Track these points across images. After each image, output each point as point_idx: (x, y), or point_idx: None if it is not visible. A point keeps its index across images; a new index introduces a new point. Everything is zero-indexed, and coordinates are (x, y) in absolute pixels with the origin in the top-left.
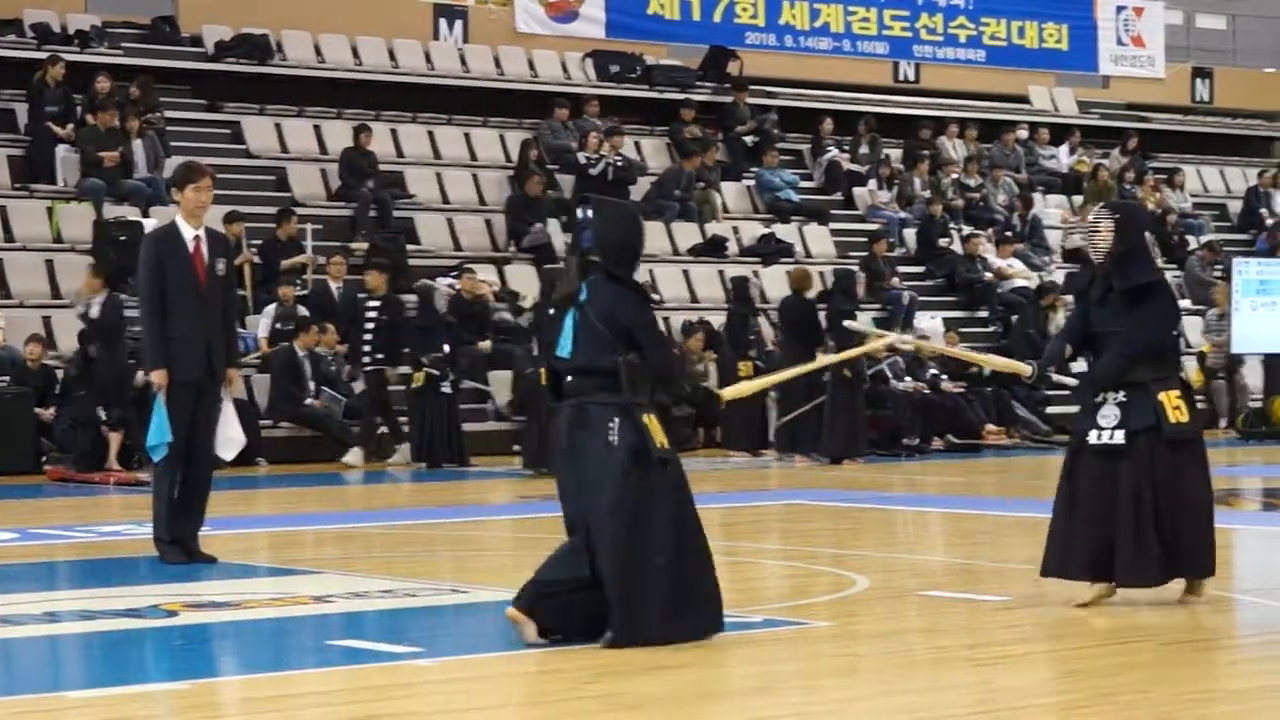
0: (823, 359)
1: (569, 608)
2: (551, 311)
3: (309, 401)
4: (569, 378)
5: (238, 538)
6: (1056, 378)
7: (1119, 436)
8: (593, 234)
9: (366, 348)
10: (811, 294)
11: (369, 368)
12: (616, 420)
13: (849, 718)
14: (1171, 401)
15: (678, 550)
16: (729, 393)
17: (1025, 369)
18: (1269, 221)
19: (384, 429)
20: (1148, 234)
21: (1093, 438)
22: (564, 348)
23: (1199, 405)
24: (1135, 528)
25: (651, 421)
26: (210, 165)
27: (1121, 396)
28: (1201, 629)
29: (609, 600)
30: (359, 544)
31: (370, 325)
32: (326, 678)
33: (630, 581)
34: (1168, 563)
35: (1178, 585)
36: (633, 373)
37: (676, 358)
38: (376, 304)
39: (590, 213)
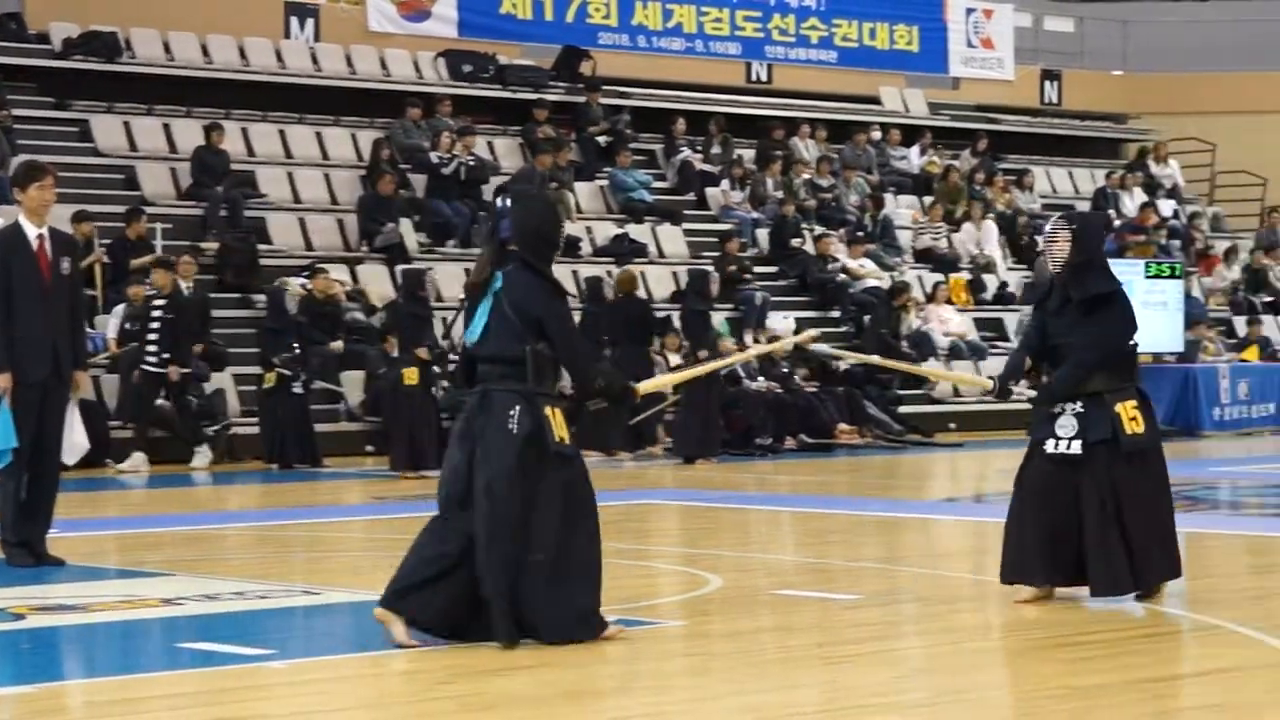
0: (748, 353)
1: (434, 596)
2: (464, 300)
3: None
4: (481, 364)
5: (86, 540)
6: (1017, 391)
7: (1076, 447)
8: (511, 223)
9: (151, 348)
10: (639, 293)
11: (151, 368)
12: (518, 408)
13: (701, 717)
14: (1128, 412)
15: (560, 550)
16: (645, 386)
17: (987, 383)
18: (1117, 223)
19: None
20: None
21: (1049, 447)
22: (474, 334)
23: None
24: (1102, 540)
25: (554, 414)
26: (58, 164)
27: (1079, 407)
28: (1053, 626)
29: (483, 597)
30: (210, 545)
31: (155, 325)
32: (177, 680)
33: (504, 577)
34: (1136, 571)
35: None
36: (539, 362)
37: (588, 352)
38: (162, 303)
39: (509, 202)
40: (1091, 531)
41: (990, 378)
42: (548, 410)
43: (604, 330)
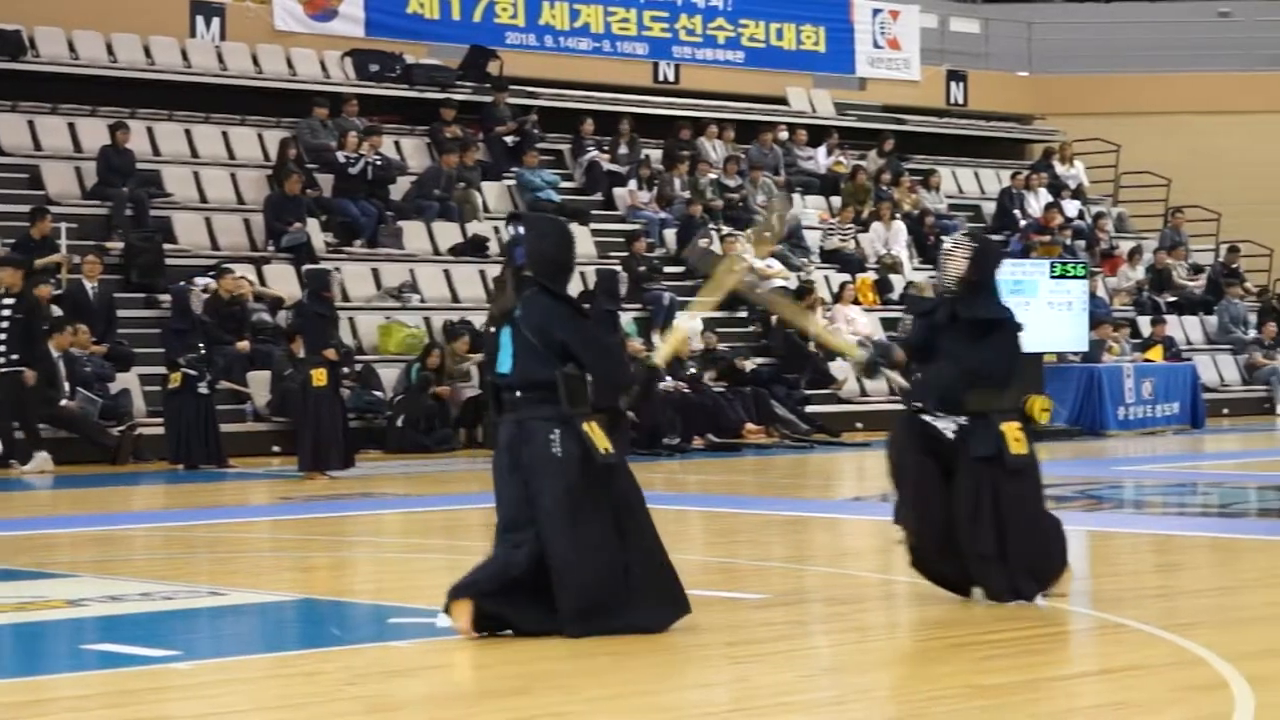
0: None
1: (509, 592)
2: (492, 329)
3: (64, 403)
4: (511, 393)
5: None
6: (887, 372)
7: (949, 433)
8: (525, 249)
9: (0, 348)
10: None
11: (3, 369)
12: (557, 432)
13: (607, 716)
14: (1013, 433)
15: (624, 548)
16: (662, 358)
17: (858, 352)
18: (1023, 223)
19: (21, 433)
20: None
21: (927, 417)
22: (504, 364)
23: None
24: (989, 552)
25: (592, 428)
26: None
27: (963, 421)
28: (958, 625)
29: (557, 592)
30: (116, 546)
31: (4, 325)
32: (81, 682)
33: (581, 573)
34: (1027, 580)
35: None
36: (571, 385)
37: (617, 360)
38: (11, 302)
39: (522, 229)
40: (982, 542)
41: (863, 346)
42: (585, 427)
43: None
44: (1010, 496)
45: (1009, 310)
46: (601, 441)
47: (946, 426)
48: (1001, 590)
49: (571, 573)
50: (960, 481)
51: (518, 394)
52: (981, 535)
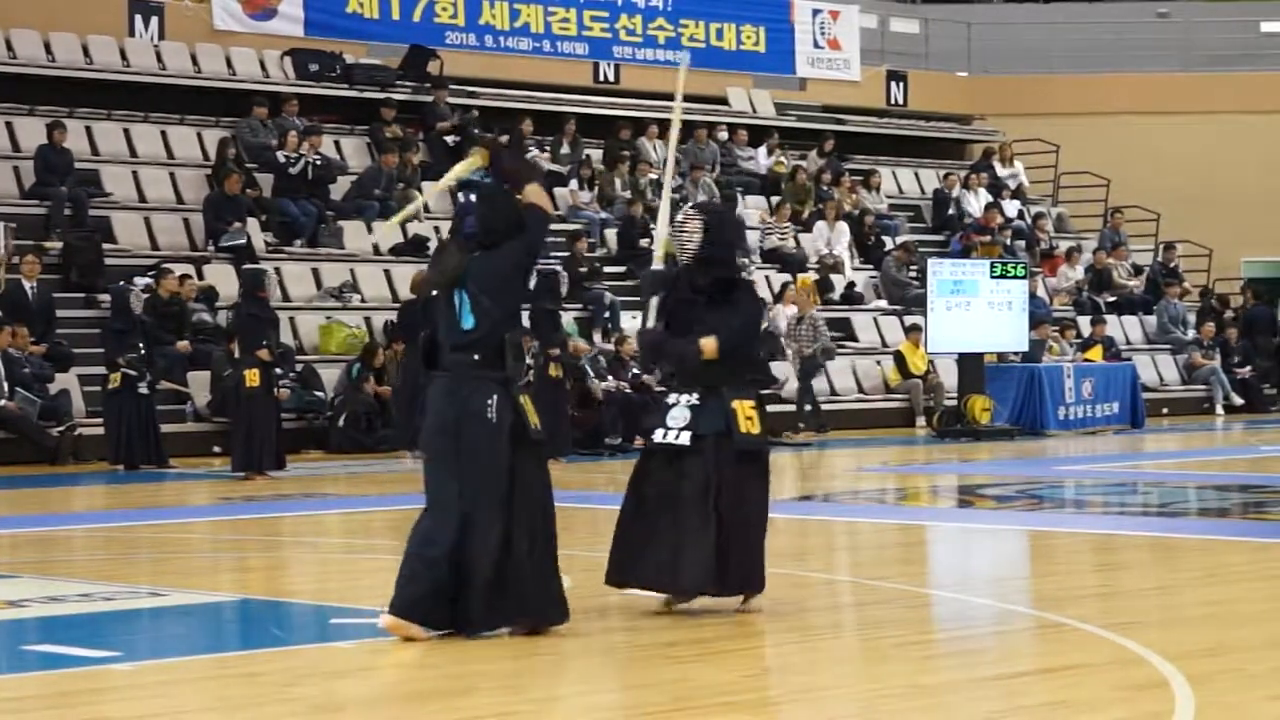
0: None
1: (438, 594)
2: (435, 293)
3: (3, 403)
4: (467, 354)
5: None
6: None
7: (685, 438)
8: (476, 219)
9: None
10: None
11: None
12: (495, 398)
13: (552, 716)
14: (745, 411)
15: (545, 536)
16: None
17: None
18: (967, 222)
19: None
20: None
21: (658, 436)
22: (468, 321)
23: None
24: (699, 531)
25: (526, 402)
26: None
27: (695, 399)
28: (900, 625)
29: (480, 588)
30: (55, 547)
31: None
32: (21, 683)
33: (508, 567)
34: (720, 574)
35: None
36: (516, 351)
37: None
38: None
39: (473, 198)
40: (686, 524)
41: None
42: (521, 399)
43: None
44: (732, 483)
45: (748, 283)
46: (533, 416)
47: (679, 415)
48: (691, 578)
49: (497, 571)
50: (689, 468)
51: (475, 356)
52: (688, 516)
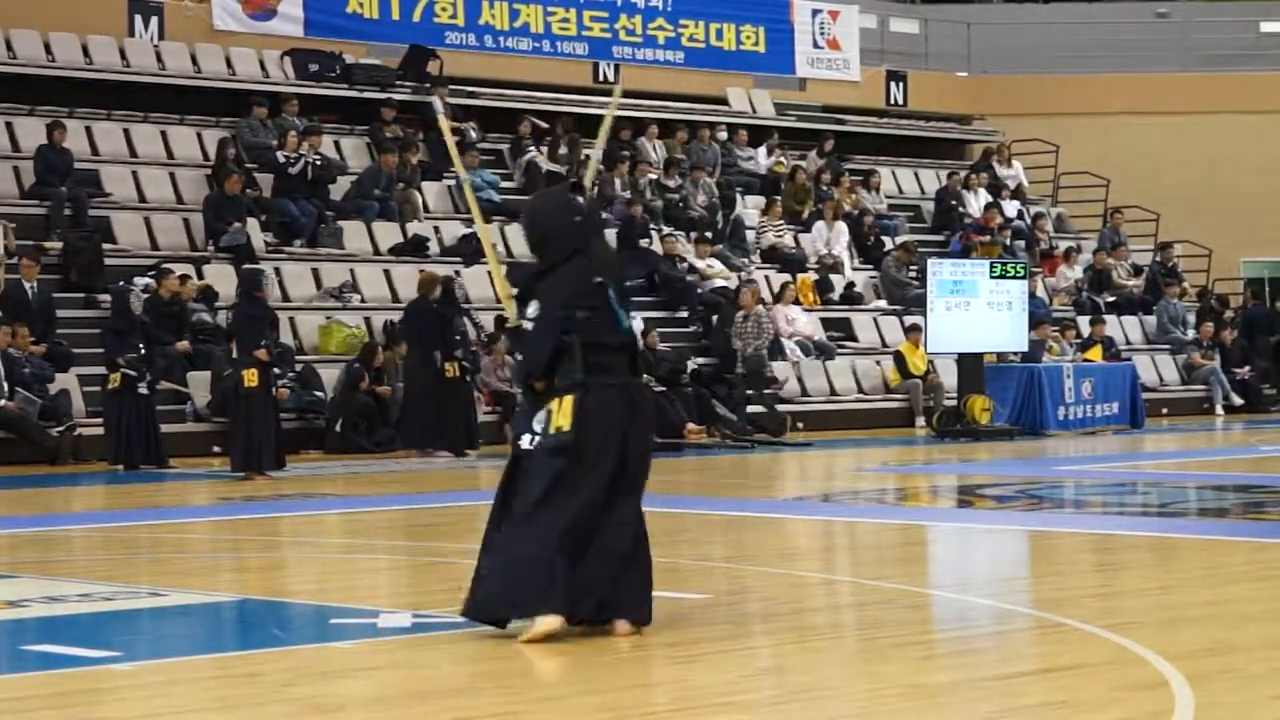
0: None
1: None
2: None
3: (3, 403)
4: (615, 352)
5: None
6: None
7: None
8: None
9: None
10: (435, 297)
11: None
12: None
13: (551, 716)
14: (563, 410)
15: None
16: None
17: (512, 312)
18: (967, 221)
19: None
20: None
21: (524, 442)
22: (624, 321)
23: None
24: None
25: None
26: None
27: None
28: (900, 625)
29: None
30: (56, 547)
31: None
32: (21, 683)
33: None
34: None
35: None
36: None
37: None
38: None
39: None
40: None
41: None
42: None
43: (457, 329)
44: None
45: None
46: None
47: (544, 418)
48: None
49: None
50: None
51: (630, 356)
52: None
